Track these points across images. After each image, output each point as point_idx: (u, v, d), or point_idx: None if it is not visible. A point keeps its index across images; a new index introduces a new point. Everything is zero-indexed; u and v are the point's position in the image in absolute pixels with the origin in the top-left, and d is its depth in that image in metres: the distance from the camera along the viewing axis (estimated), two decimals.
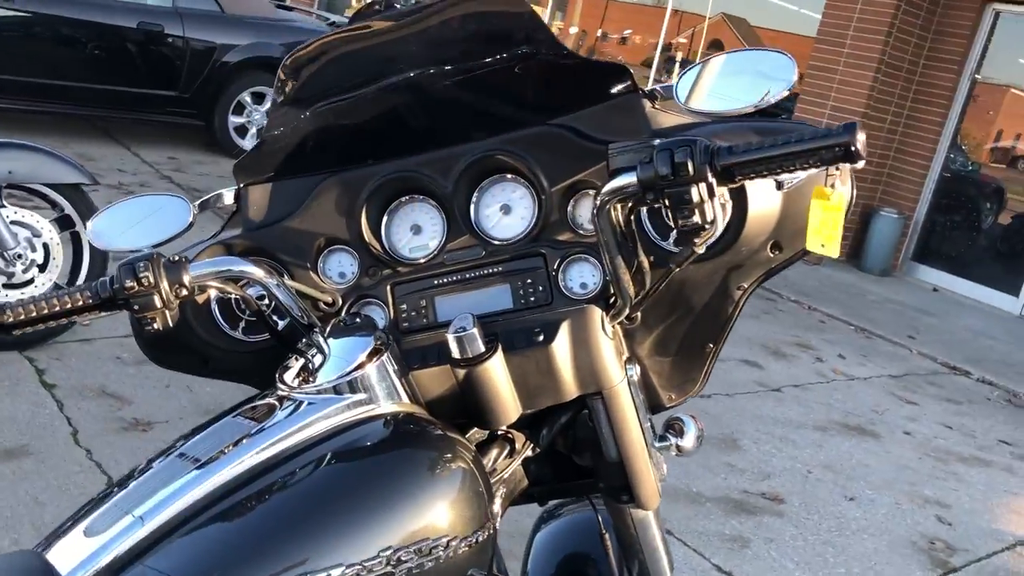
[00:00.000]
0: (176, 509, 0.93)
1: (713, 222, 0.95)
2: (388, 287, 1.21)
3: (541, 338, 1.14)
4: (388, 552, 0.95)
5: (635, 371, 1.26)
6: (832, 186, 0.97)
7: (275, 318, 1.20)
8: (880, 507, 3.57)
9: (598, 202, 1.02)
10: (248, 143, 7.63)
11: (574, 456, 1.41)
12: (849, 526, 3.36)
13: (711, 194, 0.93)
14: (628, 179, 0.98)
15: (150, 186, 6.17)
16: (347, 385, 1.05)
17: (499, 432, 1.26)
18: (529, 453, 1.30)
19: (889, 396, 5.00)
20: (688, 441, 1.33)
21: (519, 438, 1.29)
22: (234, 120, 7.53)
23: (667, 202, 0.95)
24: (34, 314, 1.04)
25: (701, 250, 1.01)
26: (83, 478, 2.65)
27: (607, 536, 1.46)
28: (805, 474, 3.74)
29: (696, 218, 0.94)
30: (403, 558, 0.96)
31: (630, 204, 1.04)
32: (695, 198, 0.93)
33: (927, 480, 3.94)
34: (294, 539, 0.92)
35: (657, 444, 1.33)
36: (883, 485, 3.78)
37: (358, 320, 1.14)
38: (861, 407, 4.70)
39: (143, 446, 2.87)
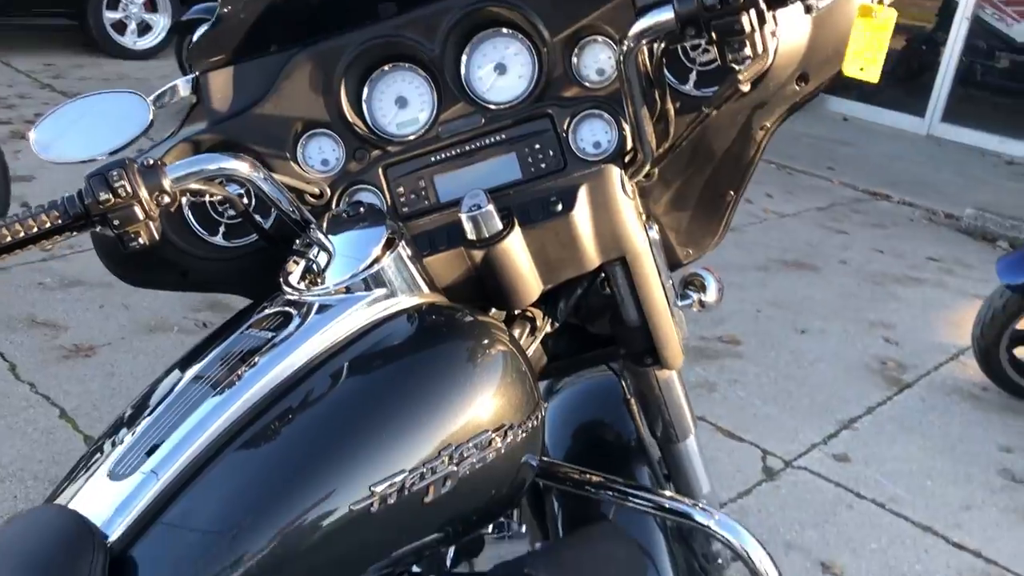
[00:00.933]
0: (206, 441, 0.83)
1: (764, 53, 0.86)
2: (380, 170, 1.10)
3: (559, 207, 1.05)
4: (449, 450, 0.88)
5: (655, 230, 1.19)
6: (881, 1, 0.89)
7: (259, 218, 1.08)
8: (830, 336, 3.67)
9: (625, 47, 0.91)
10: (128, 40, 7.09)
11: (587, 325, 1.34)
12: (805, 357, 3.45)
13: (762, 21, 0.84)
14: (662, 15, 0.87)
15: (30, 97, 5.71)
16: (363, 283, 0.95)
17: (516, 311, 1.18)
18: (548, 329, 1.24)
19: (820, 228, 5.09)
20: (711, 295, 1.28)
21: (538, 315, 1.21)
22: (110, 16, 6.96)
23: (713, 36, 0.85)
24: None
25: (747, 88, 0.92)
26: (34, 413, 2.50)
27: (632, 401, 1.42)
28: (755, 313, 3.80)
29: (747, 50, 0.85)
30: (465, 454, 0.89)
31: (661, 46, 0.94)
32: (746, 27, 0.83)
33: (869, 304, 4.06)
34: (348, 454, 0.84)
35: (679, 303, 1.28)
36: (830, 314, 3.88)
37: (361, 209, 1.03)
38: (796, 242, 4.79)
39: (90, 373, 2.71)
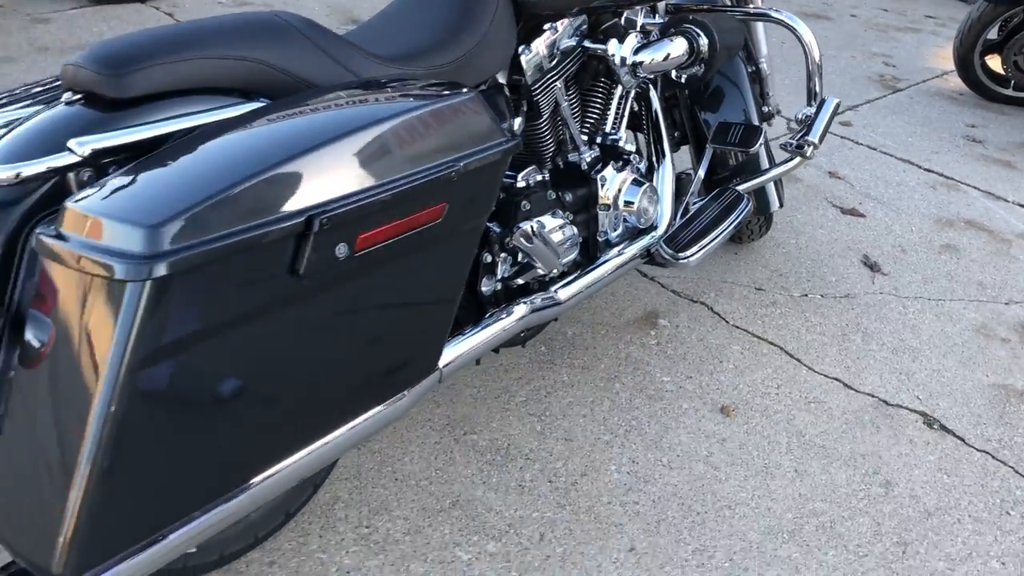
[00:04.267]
0: None
1: None
2: None
3: None
4: None
5: None
6: None
7: None
8: (840, 60, 4.52)
9: None
10: None
11: None
12: None
13: None
14: None
15: None
16: None
17: None
18: None
19: None
20: None
21: None
22: None
23: None
24: None
25: None
26: None
27: None
28: (779, 44, 4.64)
29: None
30: None
31: None
32: None
33: (872, 42, 4.89)
34: None
35: None
36: (840, 48, 4.72)
37: None
38: (812, 1, 5.55)
39: None
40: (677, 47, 1.86)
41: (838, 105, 2.09)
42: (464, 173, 1.19)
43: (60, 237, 0.96)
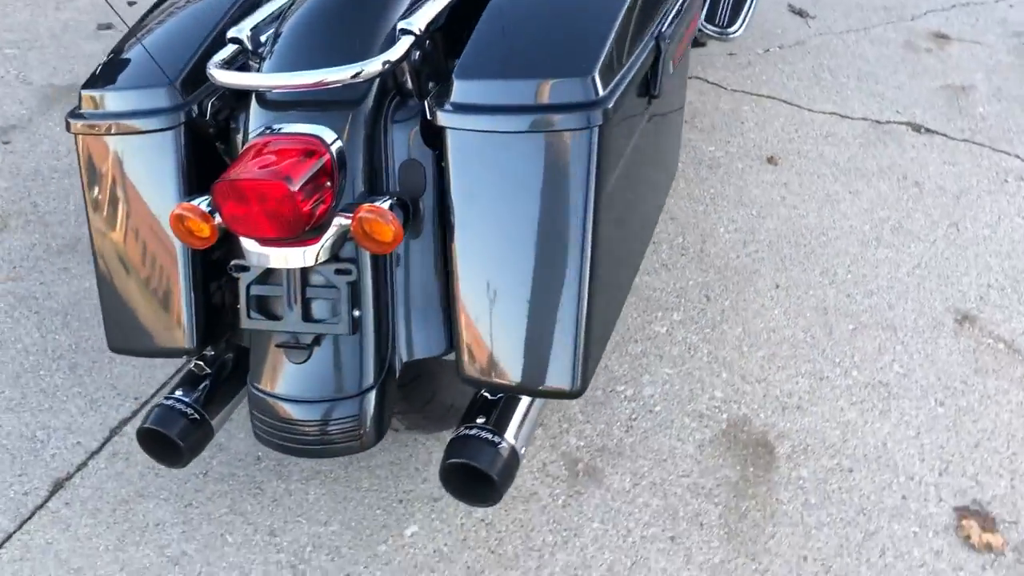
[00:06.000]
0: None
1: None
2: None
3: None
4: None
5: None
6: None
7: None
8: None
9: None
10: None
11: None
12: None
13: None
14: None
15: None
16: None
17: None
18: None
19: None
20: None
21: None
22: None
23: None
24: None
25: None
26: None
27: None
28: None
29: None
30: None
31: None
32: None
33: None
34: None
35: None
36: None
37: None
38: None
39: None
40: None
41: None
42: None
43: (462, 109, 1.04)
